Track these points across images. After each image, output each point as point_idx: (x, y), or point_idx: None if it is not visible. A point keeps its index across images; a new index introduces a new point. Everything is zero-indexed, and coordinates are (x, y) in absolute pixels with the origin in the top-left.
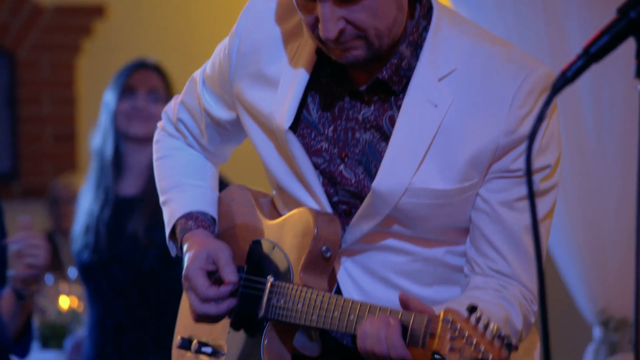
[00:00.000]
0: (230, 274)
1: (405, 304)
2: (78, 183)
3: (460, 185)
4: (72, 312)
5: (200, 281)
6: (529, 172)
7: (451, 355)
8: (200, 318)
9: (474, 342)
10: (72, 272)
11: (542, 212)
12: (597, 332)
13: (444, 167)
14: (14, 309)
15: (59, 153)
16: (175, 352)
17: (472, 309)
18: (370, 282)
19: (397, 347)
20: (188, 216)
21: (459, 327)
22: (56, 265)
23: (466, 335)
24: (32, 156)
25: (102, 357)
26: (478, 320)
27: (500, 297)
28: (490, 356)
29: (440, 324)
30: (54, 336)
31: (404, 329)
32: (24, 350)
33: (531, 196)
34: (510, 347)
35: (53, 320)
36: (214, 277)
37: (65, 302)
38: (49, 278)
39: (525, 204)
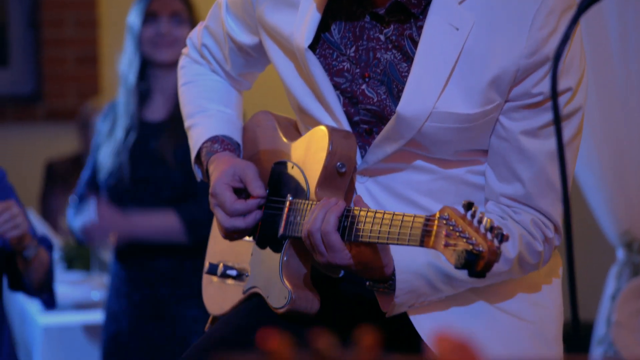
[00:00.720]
0: (257, 188)
1: None
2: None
3: (483, 108)
4: None
5: (227, 196)
6: (554, 94)
7: (445, 250)
8: (229, 234)
9: (468, 236)
10: None
11: (567, 135)
12: (620, 253)
13: (466, 91)
14: (23, 266)
15: (82, 76)
16: (204, 278)
17: (468, 206)
18: (391, 200)
19: (330, 224)
20: (214, 139)
21: (454, 223)
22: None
23: (460, 229)
24: (55, 79)
25: (132, 278)
26: (473, 215)
27: (500, 224)
28: (481, 247)
29: (436, 222)
30: (78, 257)
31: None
32: (50, 302)
33: (557, 119)
34: (502, 238)
35: (77, 241)
36: (243, 195)
37: None
38: (74, 200)
39: (549, 130)
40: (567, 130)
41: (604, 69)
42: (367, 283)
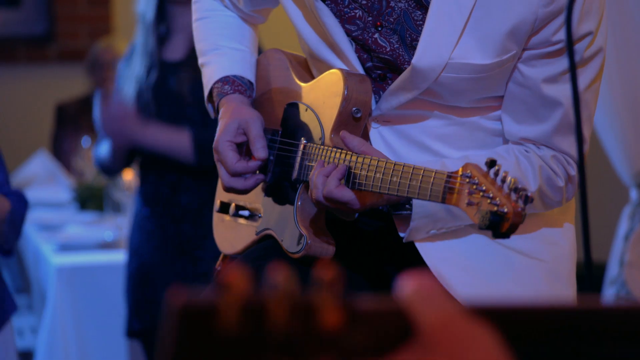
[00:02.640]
0: (259, 150)
1: (345, 142)
2: (117, 45)
3: (499, 58)
4: None
5: (229, 155)
6: (569, 42)
7: (469, 209)
8: (228, 190)
9: (491, 196)
10: None
11: (589, 77)
12: (633, 194)
13: (482, 40)
14: None
15: (94, 16)
16: (215, 216)
17: (491, 164)
18: (405, 146)
19: (330, 186)
20: (225, 80)
21: (477, 182)
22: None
23: (484, 189)
24: (67, 19)
25: (156, 218)
26: (496, 174)
27: (523, 156)
28: (506, 209)
29: (458, 179)
30: (91, 198)
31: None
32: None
33: (572, 68)
34: (527, 200)
35: (90, 182)
36: (244, 147)
37: None
38: (86, 141)
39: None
40: (589, 73)
41: (621, 11)
42: (386, 209)
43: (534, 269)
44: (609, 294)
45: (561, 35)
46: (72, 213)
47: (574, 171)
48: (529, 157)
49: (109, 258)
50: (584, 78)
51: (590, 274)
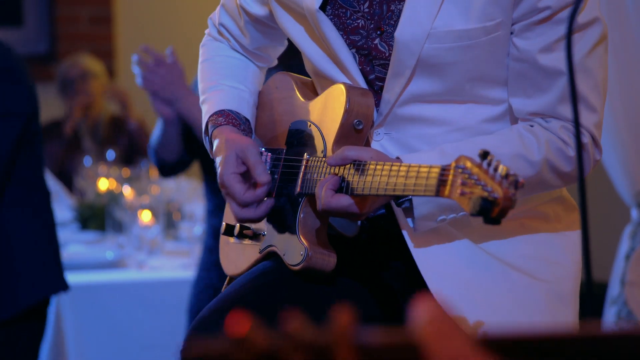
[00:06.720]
0: (261, 175)
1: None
2: (81, 60)
3: (482, 24)
4: (110, 193)
5: (236, 187)
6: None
7: (461, 199)
8: (242, 221)
9: (483, 183)
10: (110, 154)
11: (589, 43)
12: (634, 213)
13: (463, 6)
14: None
15: (96, 35)
16: (221, 239)
17: (484, 155)
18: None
19: (326, 196)
20: (219, 113)
21: (470, 172)
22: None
23: (476, 178)
24: (69, 38)
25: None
26: (489, 164)
27: (527, 131)
28: (496, 194)
29: (452, 171)
30: (93, 217)
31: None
32: None
33: (568, 36)
34: (517, 185)
35: (92, 201)
36: (250, 179)
37: (104, 184)
38: (87, 160)
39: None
40: (587, 39)
41: (620, 27)
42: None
43: (535, 289)
44: (610, 314)
45: (547, 1)
46: (73, 232)
47: (586, 139)
48: (534, 130)
49: (111, 277)
50: (583, 44)
51: (590, 294)
